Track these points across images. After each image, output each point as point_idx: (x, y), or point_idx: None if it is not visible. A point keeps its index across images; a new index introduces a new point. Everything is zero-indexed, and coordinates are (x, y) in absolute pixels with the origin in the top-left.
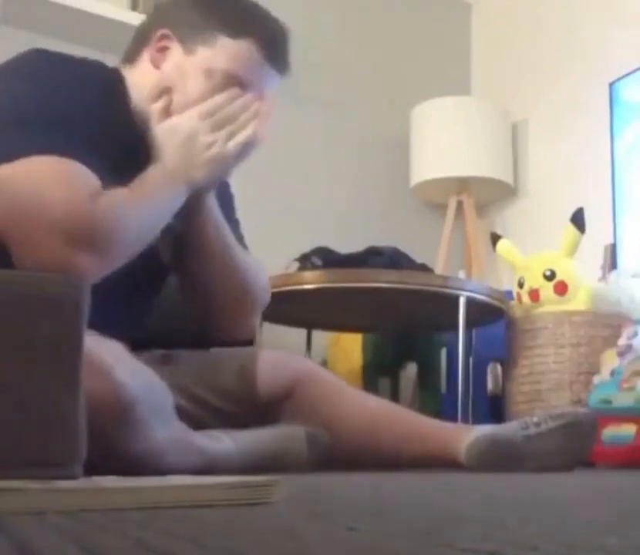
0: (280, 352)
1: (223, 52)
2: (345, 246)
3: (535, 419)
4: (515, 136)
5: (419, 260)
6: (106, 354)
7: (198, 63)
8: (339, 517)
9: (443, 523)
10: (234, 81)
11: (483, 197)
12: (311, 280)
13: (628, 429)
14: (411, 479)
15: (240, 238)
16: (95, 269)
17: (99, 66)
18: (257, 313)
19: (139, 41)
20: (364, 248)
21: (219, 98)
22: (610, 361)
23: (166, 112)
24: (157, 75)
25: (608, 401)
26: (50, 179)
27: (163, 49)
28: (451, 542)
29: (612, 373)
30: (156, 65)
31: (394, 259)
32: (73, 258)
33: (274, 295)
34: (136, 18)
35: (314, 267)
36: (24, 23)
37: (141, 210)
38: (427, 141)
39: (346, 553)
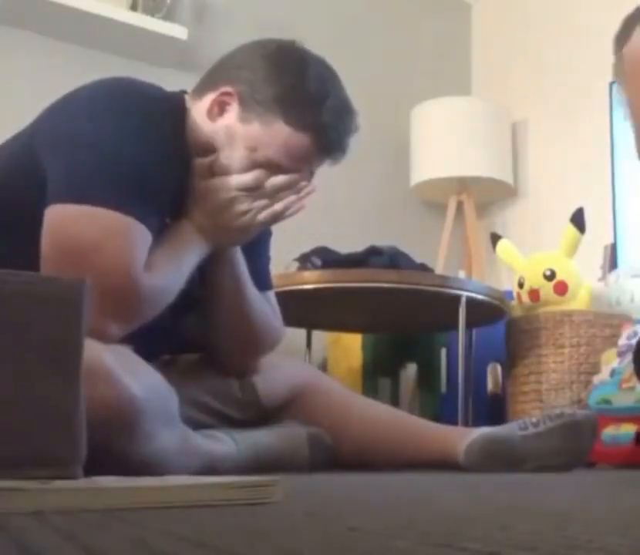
0: (283, 359)
1: (276, 138)
2: (345, 246)
3: (534, 420)
4: (515, 136)
5: (419, 260)
6: (115, 361)
7: (248, 137)
8: (339, 517)
9: (443, 523)
10: (276, 166)
11: (483, 197)
12: (311, 280)
13: (628, 429)
14: (411, 479)
15: (266, 274)
16: (119, 334)
17: (172, 103)
18: (261, 356)
19: (210, 80)
20: (364, 248)
21: (260, 173)
22: (610, 361)
23: (210, 171)
24: (210, 125)
25: (608, 402)
26: (111, 242)
27: (223, 104)
28: (451, 542)
29: (612, 373)
30: (211, 118)
31: (394, 259)
32: (102, 324)
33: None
34: (136, 18)
35: (314, 267)
36: (24, 23)
37: (176, 276)
38: (427, 141)
39: (346, 553)
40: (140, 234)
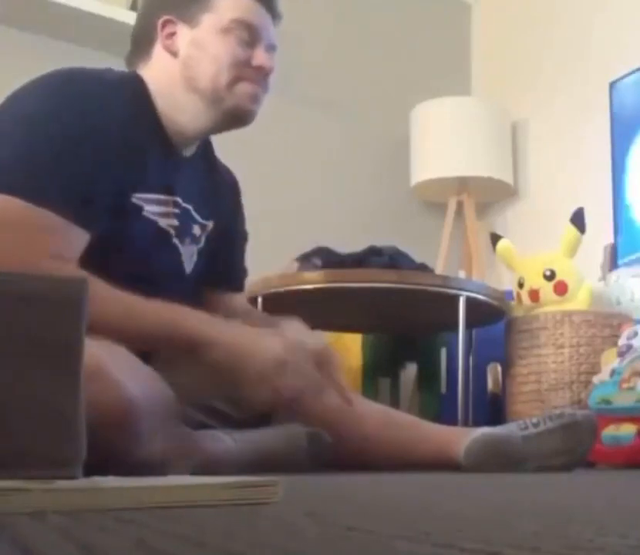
0: None
1: (223, 8)
2: (345, 246)
3: (534, 420)
4: (515, 136)
5: (419, 260)
6: (112, 361)
7: (208, 29)
8: (339, 517)
9: (443, 523)
10: (247, 29)
11: (483, 197)
12: (311, 280)
13: (627, 429)
14: (411, 479)
15: (238, 275)
16: None
17: (123, 80)
18: None
19: (143, 41)
20: (364, 248)
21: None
22: (610, 361)
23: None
24: (177, 62)
25: (608, 402)
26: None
27: (171, 35)
28: (451, 542)
29: (612, 373)
30: (173, 51)
31: (394, 259)
32: None
33: (274, 295)
34: (136, 18)
35: (315, 267)
36: (24, 23)
37: (109, 307)
38: (427, 141)
39: (346, 553)
40: (42, 221)
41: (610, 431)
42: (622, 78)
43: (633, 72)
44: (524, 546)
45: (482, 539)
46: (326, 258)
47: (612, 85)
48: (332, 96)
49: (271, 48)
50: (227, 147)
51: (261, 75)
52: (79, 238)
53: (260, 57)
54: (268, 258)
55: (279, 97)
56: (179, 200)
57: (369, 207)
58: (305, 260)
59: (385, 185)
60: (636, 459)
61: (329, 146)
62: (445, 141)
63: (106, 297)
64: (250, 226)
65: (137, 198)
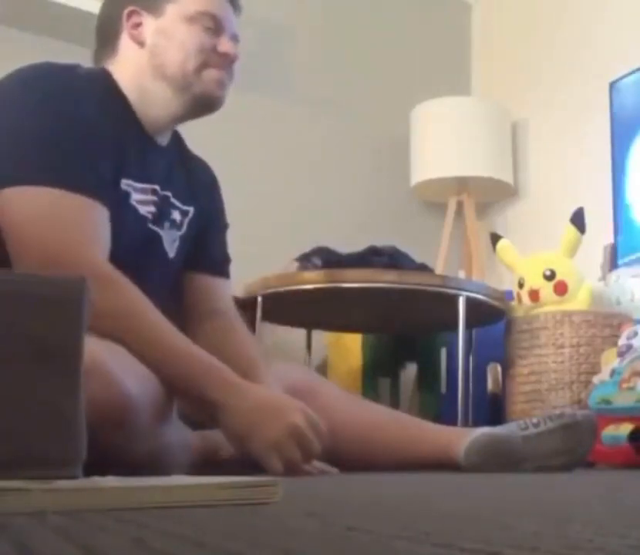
0: (276, 362)
1: (185, 1)
2: (345, 246)
3: (534, 420)
4: (515, 136)
5: (419, 260)
6: (113, 361)
7: (173, 18)
8: (339, 517)
9: (443, 523)
10: (211, 19)
11: (483, 197)
12: (311, 280)
13: (627, 429)
14: (411, 480)
15: (221, 262)
16: None
17: (94, 75)
18: None
19: (109, 33)
20: (364, 248)
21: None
22: (610, 361)
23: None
24: (144, 52)
25: (608, 402)
26: (46, 217)
27: (137, 26)
28: (451, 542)
29: (612, 373)
30: (140, 41)
31: (394, 259)
32: None
33: (274, 295)
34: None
35: (315, 267)
36: (24, 23)
37: (136, 322)
38: (427, 141)
39: (346, 553)
40: (70, 203)
41: (610, 431)
42: (622, 78)
43: (633, 72)
44: (524, 546)
45: (482, 539)
46: (326, 258)
47: (612, 85)
48: (332, 96)
49: (234, 38)
50: (227, 147)
51: (227, 62)
52: (107, 219)
53: (225, 44)
54: (268, 258)
55: (279, 97)
56: (157, 187)
57: (369, 207)
58: (305, 260)
59: (384, 185)
60: (636, 459)
61: (329, 145)
62: (445, 141)
63: (150, 338)
64: (250, 226)
65: (125, 184)
